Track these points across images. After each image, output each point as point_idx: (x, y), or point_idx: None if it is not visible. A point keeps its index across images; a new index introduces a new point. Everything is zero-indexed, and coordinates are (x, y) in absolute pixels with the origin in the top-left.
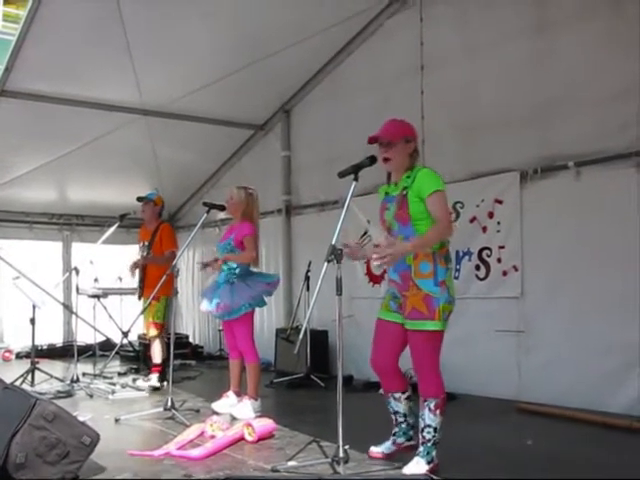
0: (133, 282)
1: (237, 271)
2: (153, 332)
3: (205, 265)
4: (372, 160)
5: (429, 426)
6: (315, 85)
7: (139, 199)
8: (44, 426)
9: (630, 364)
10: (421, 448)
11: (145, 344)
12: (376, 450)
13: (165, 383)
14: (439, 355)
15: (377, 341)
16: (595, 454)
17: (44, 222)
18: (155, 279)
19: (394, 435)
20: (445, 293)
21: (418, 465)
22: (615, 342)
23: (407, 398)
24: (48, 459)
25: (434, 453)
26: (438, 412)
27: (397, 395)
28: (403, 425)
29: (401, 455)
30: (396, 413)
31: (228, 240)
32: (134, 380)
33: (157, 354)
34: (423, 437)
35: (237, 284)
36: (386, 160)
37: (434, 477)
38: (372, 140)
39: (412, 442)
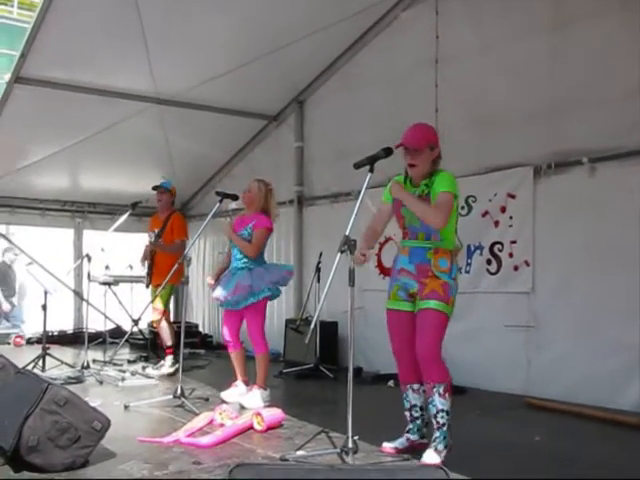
0: (143, 270)
1: (252, 262)
2: (155, 316)
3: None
4: (388, 152)
5: (442, 410)
6: (329, 76)
7: (155, 188)
8: (56, 410)
9: None
10: (437, 433)
11: (155, 332)
12: (389, 445)
13: (177, 366)
14: (442, 341)
15: (392, 332)
16: (603, 451)
17: (56, 209)
18: (164, 267)
19: (407, 432)
20: (455, 287)
21: (436, 452)
22: (625, 339)
23: (425, 391)
24: (59, 443)
25: (449, 437)
26: (447, 395)
27: (415, 386)
28: (418, 421)
29: (414, 451)
30: (412, 408)
31: (246, 228)
32: (144, 368)
33: (167, 337)
34: (437, 422)
35: (255, 270)
36: (412, 166)
37: (445, 469)
38: (400, 146)
39: (424, 440)
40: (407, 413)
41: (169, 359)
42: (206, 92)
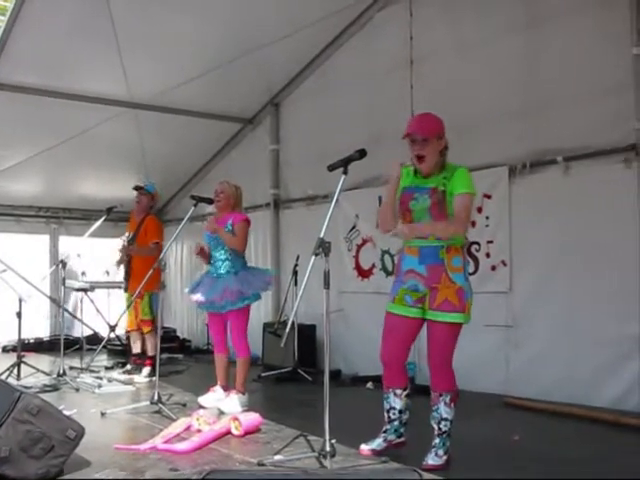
0: (119, 275)
1: (235, 265)
2: (147, 329)
3: (201, 249)
4: (362, 154)
5: (446, 419)
6: (304, 78)
7: (136, 188)
8: (28, 420)
9: (618, 359)
10: (437, 440)
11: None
12: (367, 447)
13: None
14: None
15: (389, 335)
16: (581, 448)
17: (31, 215)
18: (141, 272)
19: (385, 432)
20: (470, 288)
21: (437, 456)
22: (603, 337)
23: (407, 395)
24: (32, 453)
25: (449, 443)
26: (452, 405)
27: (398, 391)
28: (395, 422)
29: (392, 451)
30: (391, 409)
31: (226, 226)
32: (127, 372)
33: (151, 347)
34: (440, 429)
35: (242, 273)
36: (420, 157)
37: (419, 471)
38: (407, 136)
39: (402, 439)
40: (386, 414)
41: (146, 370)
42: (181, 96)
